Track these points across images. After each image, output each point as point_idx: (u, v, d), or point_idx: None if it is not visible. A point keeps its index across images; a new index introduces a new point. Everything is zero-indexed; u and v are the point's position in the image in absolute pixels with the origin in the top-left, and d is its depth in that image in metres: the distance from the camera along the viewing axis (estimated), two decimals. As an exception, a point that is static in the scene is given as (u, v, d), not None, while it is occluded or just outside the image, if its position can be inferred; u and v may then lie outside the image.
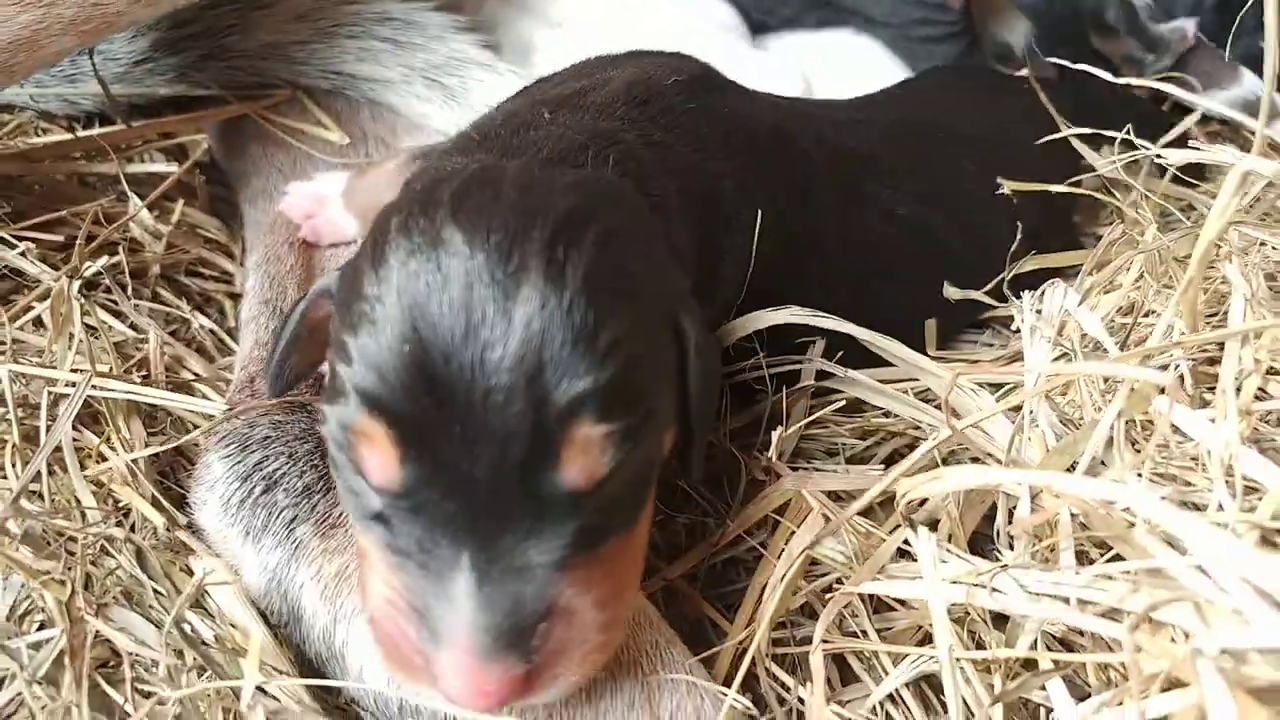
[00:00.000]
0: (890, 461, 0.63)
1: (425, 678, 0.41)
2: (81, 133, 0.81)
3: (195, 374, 0.65)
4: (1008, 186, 0.65)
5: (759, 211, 0.57)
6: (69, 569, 0.52)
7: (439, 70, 0.80)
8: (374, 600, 0.42)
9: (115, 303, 0.68)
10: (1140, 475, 0.50)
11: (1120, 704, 0.43)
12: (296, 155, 0.80)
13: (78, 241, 0.67)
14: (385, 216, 0.43)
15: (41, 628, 0.51)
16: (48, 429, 0.57)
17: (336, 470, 0.43)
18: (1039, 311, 0.57)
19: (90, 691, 0.49)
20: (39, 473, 0.53)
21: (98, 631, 0.50)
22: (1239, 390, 0.50)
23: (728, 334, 0.58)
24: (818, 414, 0.61)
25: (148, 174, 0.77)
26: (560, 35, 0.85)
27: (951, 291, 0.65)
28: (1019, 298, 0.61)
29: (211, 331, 0.71)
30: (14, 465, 0.55)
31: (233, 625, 0.53)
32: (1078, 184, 0.65)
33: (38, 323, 0.65)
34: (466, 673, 0.39)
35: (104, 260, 0.67)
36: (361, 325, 0.40)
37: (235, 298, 0.75)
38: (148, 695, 0.49)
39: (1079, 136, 0.70)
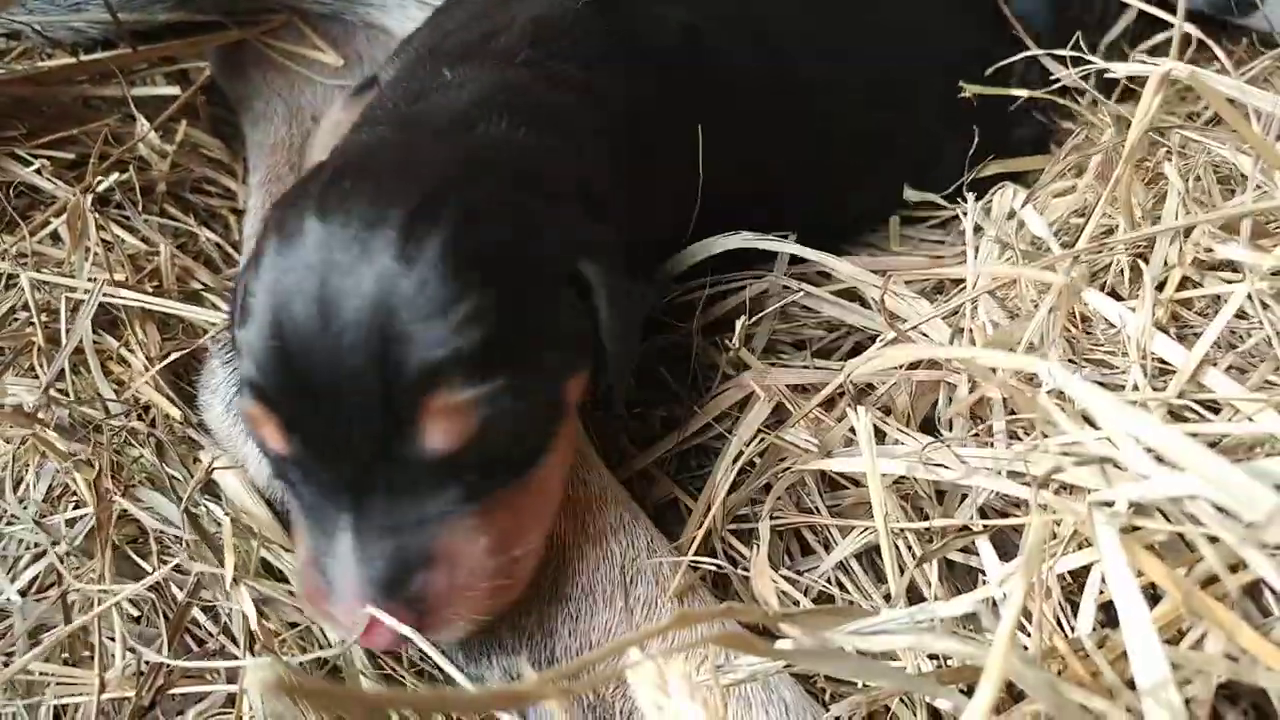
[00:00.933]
0: (854, 353, 0.68)
1: (335, 622, 0.46)
2: (87, 57, 0.85)
3: (203, 284, 0.70)
4: (969, 90, 0.68)
5: (688, 131, 0.59)
6: (97, 454, 0.57)
7: (435, -9, 0.83)
8: (298, 551, 0.48)
9: (127, 218, 0.72)
10: (1072, 361, 0.55)
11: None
12: (294, 78, 0.84)
13: (90, 159, 0.71)
14: (272, 210, 0.47)
15: (75, 508, 0.57)
16: (68, 332, 0.62)
17: (261, 451, 0.48)
18: (988, 211, 0.61)
19: (121, 561, 0.55)
20: (63, 370, 0.58)
21: (124, 510, 0.56)
22: (1164, 284, 0.55)
23: (684, 259, 0.62)
24: (782, 304, 0.65)
25: (152, 96, 0.81)
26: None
27: (910, 194, 0.68)
28: (966, 199, 0.64)
29: (218, 245, 0.75)
30: (41, 365, 0.60)
31: (244, 511, 0.58)
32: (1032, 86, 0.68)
33: (54, 236, 0.70)
34: (349, 617, 0.44)
35: (114, 177, 0.71)
36: (244, 319, 0.44)
37: (238, 213, 0.79)
38: (174, 566, 0.55)
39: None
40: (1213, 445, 0.48)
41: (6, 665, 0.50)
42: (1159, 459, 0.43)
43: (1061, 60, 0.74)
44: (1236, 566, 0.43)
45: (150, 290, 0.66)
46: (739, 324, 0.60)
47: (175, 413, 0.59)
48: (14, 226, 0.71)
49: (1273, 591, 0.43)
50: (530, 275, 0.46)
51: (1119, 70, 0.61)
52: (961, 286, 0.63)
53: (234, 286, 0.50)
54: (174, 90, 0.81)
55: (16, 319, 0.64)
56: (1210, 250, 0.52)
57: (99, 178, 0.70)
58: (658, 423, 0.66)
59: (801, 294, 0.66)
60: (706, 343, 0.66)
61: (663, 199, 0.59)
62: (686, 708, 0.37)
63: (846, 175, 0.71)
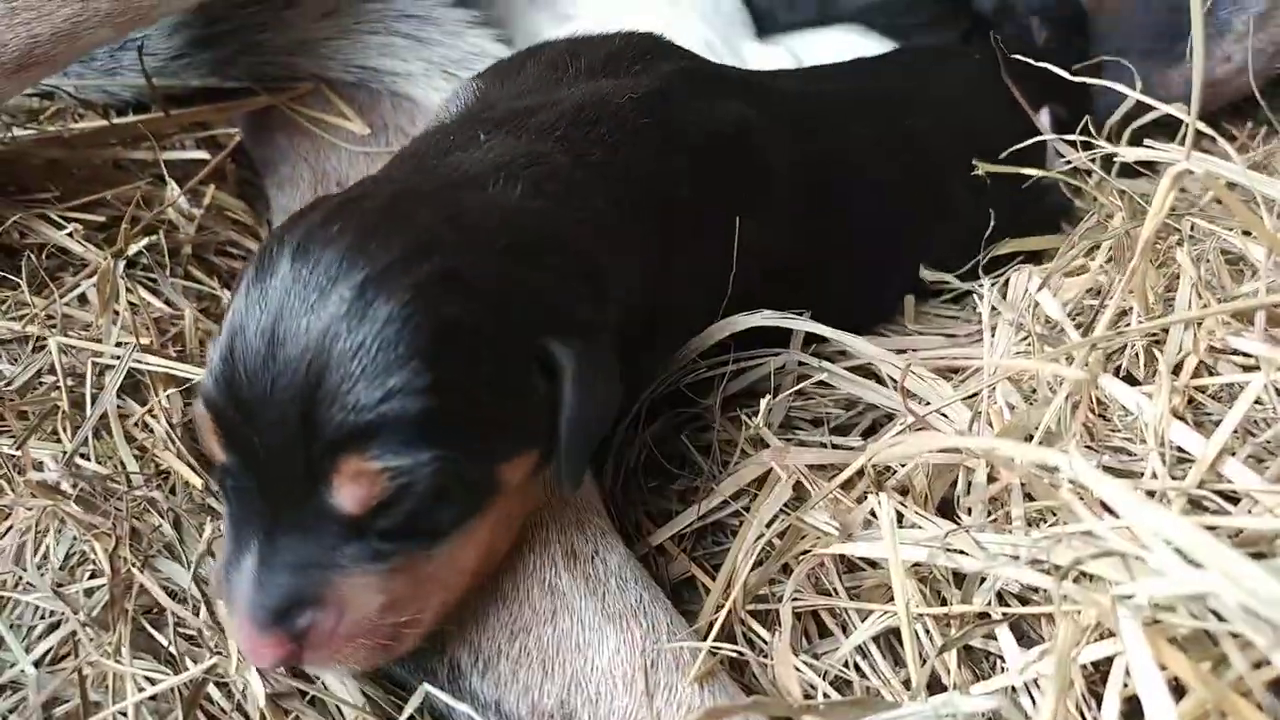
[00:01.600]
0: (871, 430, 0.68)
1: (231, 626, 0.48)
2: (119, 120, 0.87)
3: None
4: (982, 169, 0.69)
5: (724, 221, 0.60)
6: (115, 525, 0.57)
7: (456, 64, 0.85)
8: (220, 552, 0.49)
9: (153, 280, 0.73)
10: (1090, 448, 0.55)
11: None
12: (320, 144, 0.86)
13: (123, 224, 0.72)
14: (271, 231, 0.48)
15: (92, 577, 0.57)
16: (93, 397, 0.62)
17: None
18: (1004, 295, 0.62)
19: (136, 634, 0.54)
20: (87, 436, 0.59)
21: (141, 583, 0.56)
22: (1179, 369, 0.55)
23: (705, 338, 0.63)
24: (802, 384, 0.66)
25: (181, 160, 0.82)
26: (569, 30, 0.90)
27: (926, 274, 0.69)
28: (981, 280, 0.65)
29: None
30: (64, 429, 0.61)
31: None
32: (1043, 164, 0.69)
33: (82, 299, 0.71)
34: (243, 634, 0.46)
35: (144, 241, 0.72)
36: (219, 334, 0.46)
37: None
38: (188, 639, 0.55)
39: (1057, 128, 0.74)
40: (1232, 537, 0.49)
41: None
42: (1180, 553, 0.44)
43: (1072, 143, 0.76)
44: (1260, 663, 0.43)
45: (174, 355, 0.66)
46: (763, 403, 0.61)
47: (196, 481, 0.60)
48: (43, 288, 0.72)
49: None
50: (489, 351, 0.47)
51: (1129, 155, 0.62)
52: (979, 368, 0.64)
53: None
54: (203, 155, 0.82)
55: (42, 382, 0.64)
56: (1224, 340, 0.53)
57: (130, 242, 0.71)
58: (675, 497, 0.67)
59: (821, 373, 0.67)
60: (725, 418, 0.67)
61: (691, 284, 0.60)
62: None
63: (878, 267, 0.73)
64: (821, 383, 0.68)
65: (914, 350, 0.66)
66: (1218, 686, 0.41)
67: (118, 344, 0.63)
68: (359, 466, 0.43)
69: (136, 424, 0.63)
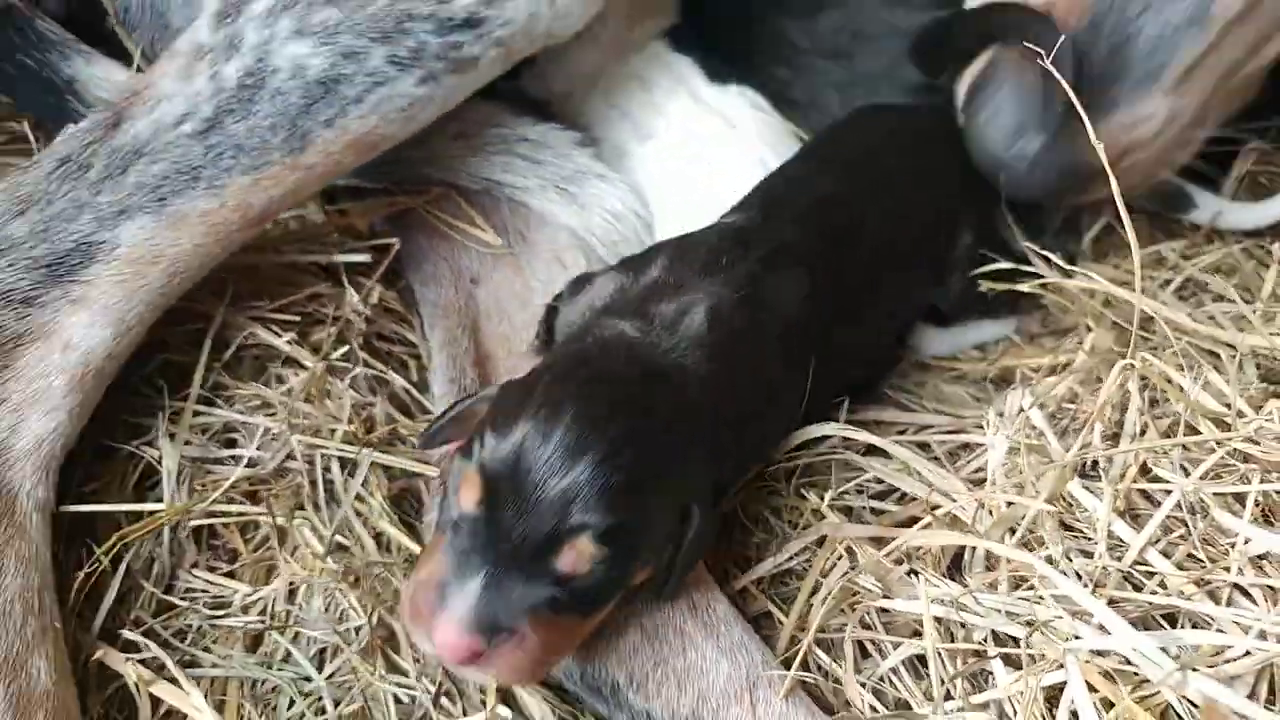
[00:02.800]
0: (902, 498, 0.91)
1: (425, 633, 0.66)
2: (288, 215, 1.06)
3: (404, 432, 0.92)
4: (984, 286, 0.92)
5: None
6: (360, 581, 0.79)
7: (567, 180, 1.05)
8: (421, 574, 0.68)
9: (348, 368, 0.94)
10: (1064, 524, 0.78)
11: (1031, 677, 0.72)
12: (455, 245, 1.06)
13: (327, 331, 0.93)
14: (539, 371, 0.73)
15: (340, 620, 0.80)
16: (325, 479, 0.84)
17: (446, 494, 0.71)
18: (1001, 414, 0.84)
19: (386, 660, 0.77)
20: (343, 519, 0.81)
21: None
22: (1123, 475, 0.78)
23: (786, 443, 0.87)
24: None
25: (348, 263, 1.03)
26: (647, 151, 1.09)
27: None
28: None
29: (405, 389, 0.97)
30: (317, 514, 0.83)
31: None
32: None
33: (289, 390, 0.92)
34: (447, 631, 0.65)
35: (336, 343, 0.93)
36: (497, 434, 0.67)
37: (417, 358, 1.01)
38: (418, 662, 0.78)
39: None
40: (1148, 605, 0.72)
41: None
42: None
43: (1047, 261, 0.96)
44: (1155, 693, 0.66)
45: (376, 442, 0.88)
46: (827, 496, 0.84)
47: (413, 546, 0.82)
48: (257, 378, 0.93)
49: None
50: (663, 502, 0.71)
51: (1098, 286, 0.84)
52: (984, 449, 0.87)
53: (477, 427, 0.72)
54: (366, 257, 1.02)
55: (287, 468, 0.86)
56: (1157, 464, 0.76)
57: (331, 348, 0.92)
58: (754, 549, 0.90)
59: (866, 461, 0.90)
60: (790, 486, 0.90)
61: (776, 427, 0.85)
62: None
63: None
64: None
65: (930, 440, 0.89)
66: (1128, 703, 0.65)
67: (346, 441, 0.85)
68: (579, 546, 0.66)
69: (359, 498, 0.85)
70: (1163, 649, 0.65)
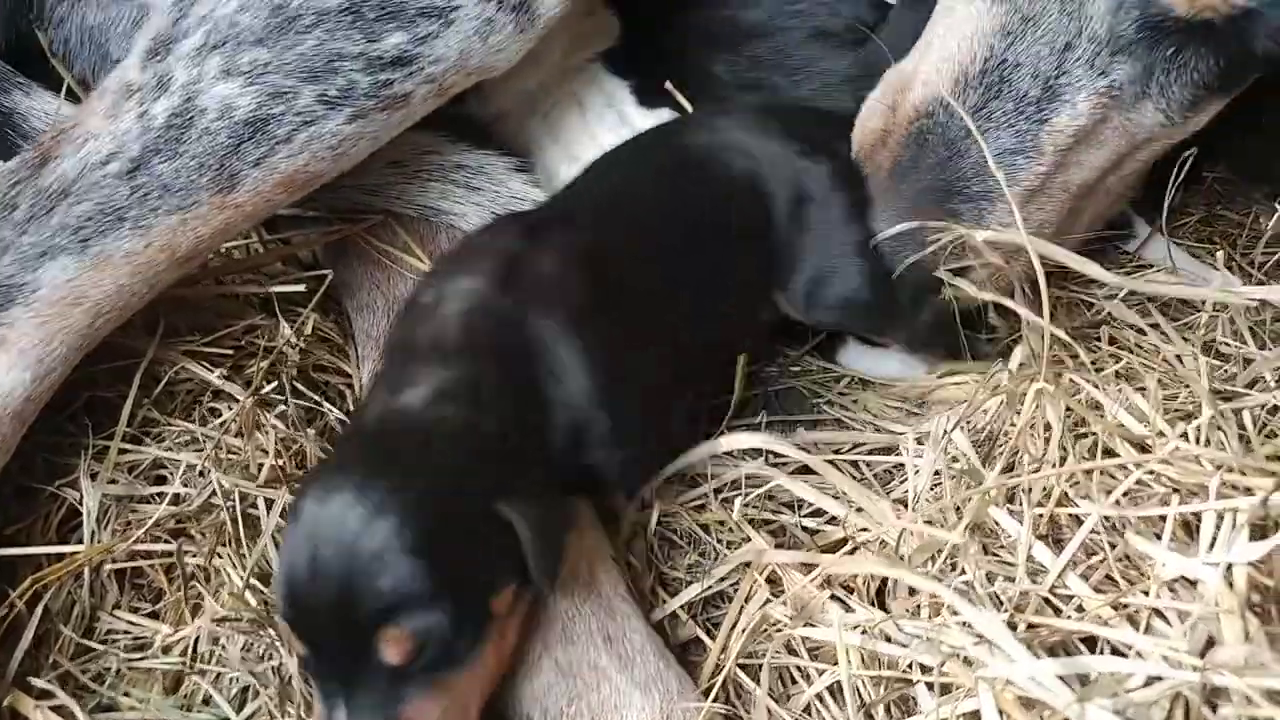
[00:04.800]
0: (833, 519, 0.90)
1: None
2: (228, 246, 1.07)
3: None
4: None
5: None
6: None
7: (503, 207, 1.05)
8: (316, 712, 0.68)
9: (279, 401, 0.94)
10: (987, 549, 0.78)
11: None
12: (390, 273, 1.05)
13: (256, 364, 0.93)
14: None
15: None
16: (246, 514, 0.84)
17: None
18: (923, 438, 0.84)
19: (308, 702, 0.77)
20: (260, 556, 0.81)
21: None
22: (1046, 497, 0.78)
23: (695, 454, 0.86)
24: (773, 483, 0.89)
25: (282, 293, 1.03)
26: (575, 174, 1.09)
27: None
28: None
29: (340, 420, 0.97)
30: (238, 552, 0.82)
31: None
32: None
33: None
34: None
35: (264, 376, 0.93)
36: (280, 552, 0.68)
37: (351, 389, 1.01)
38: None
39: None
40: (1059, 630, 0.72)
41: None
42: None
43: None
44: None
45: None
46: (737, 504, 0.85)
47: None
48: (188, 414, 0.93)
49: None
50: (461, 530, 0.68)
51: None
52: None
53: None
54: (301, 288, 1.02)
55: (213, 506, 0.86)
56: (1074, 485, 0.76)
57: (262, 381, 0.92)
58: (683, 569, 0.89)
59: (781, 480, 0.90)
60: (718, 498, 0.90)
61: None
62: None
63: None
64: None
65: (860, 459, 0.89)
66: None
67: (269, 480, 0.85)
68: (391, 634, 0.65)
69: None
70: (1062, 678, 0.64)
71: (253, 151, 0.87)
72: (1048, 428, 0.83)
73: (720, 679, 0.77)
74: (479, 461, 0.71)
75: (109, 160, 0.87)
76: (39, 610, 0.80)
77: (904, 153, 0.91)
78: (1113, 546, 0.74)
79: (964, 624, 0.72)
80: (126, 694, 0.78)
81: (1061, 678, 0.65)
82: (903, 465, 0.90)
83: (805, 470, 0.90)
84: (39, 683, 0.76)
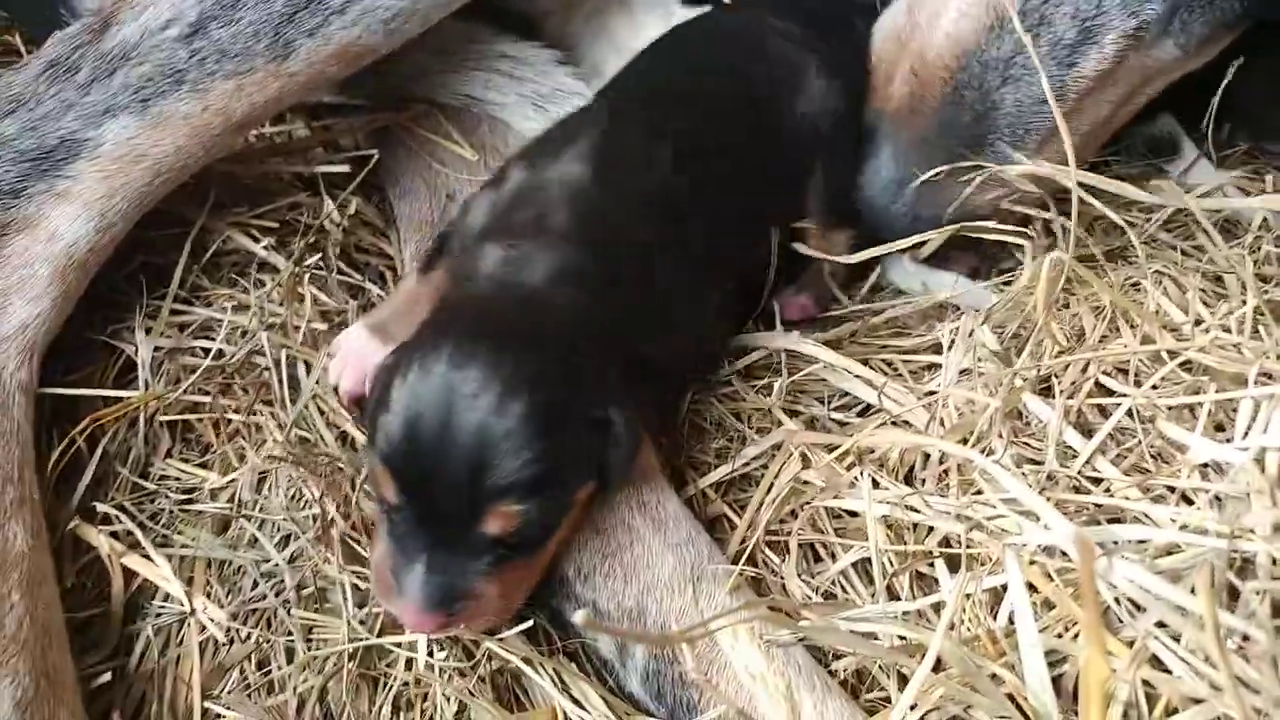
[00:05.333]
0: (866, 410, 0.91)
1: (393, 608, 0.70)
2: (271, 129, 1.08)
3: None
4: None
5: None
6: (322, 474, 0.82)
7: (544, 99, 1.06)
8: (375, 557, 0.71)
9: (322, 276, 0.96)
10: (1013, 442, 0.79)
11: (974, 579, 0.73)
12: (433, 161, 1.07)
13: (298, 239, 0.95)
14: (415, 337, 0.70)
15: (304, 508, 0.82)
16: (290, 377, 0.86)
17: (368, 484, 0.72)
18: (954, 331, 0.85)
19: (345, 548, 0.79)
20: (301, 411, 0.83)
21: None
22: (1077, 390, 0.79)
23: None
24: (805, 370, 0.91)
25: (328, 173, 1.04)
26: (621, 63, 1.09)
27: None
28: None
29: (381, 299, 0.99)
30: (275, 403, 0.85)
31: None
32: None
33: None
34: (411, 615, 0.68)
35: (308, 250, 0.95)
36: (387, 410, 0.66)
37: (394, 270, 1.03)
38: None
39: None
40: (1098, 507, 0.73)
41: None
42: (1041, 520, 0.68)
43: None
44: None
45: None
46: (776, 384, 0.86)
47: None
48: (234, 284, 0.95)
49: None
50: (574, 422, 0.70)
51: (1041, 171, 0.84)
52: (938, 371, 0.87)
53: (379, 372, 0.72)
54: (345, 168, 1.04)
55: (255, 363, 0.88)
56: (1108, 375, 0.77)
57: (304, 254, 0.94)
58: (711, 453, 0.91)
59: (820, 365, 0.91)
60: (748, 388, 0.91)
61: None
62: (749, 652, 0.62)
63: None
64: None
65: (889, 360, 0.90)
66: (1064, 598, 0.66)
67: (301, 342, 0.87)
68: (500, 510, 0.67)
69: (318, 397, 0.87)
70: (1099, 544, 0.66)
71: (308, 20, 0.88)
72: (1076, 322, 0.84)
73: (749, 548, 0.79)
74: (592, 353, 0.72)
75: (168, 25, 0.88)
76: (98, 452, 0.83)
77: (940, 114, 0.92)
78: (1145, 434, 0.75)
79: (995, 503, 0.74)
80: (179, 531, 0.80)
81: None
82: (933, 366, 0.92)
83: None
84: (103, 507, 0.79)
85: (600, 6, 1.14)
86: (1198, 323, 0.77)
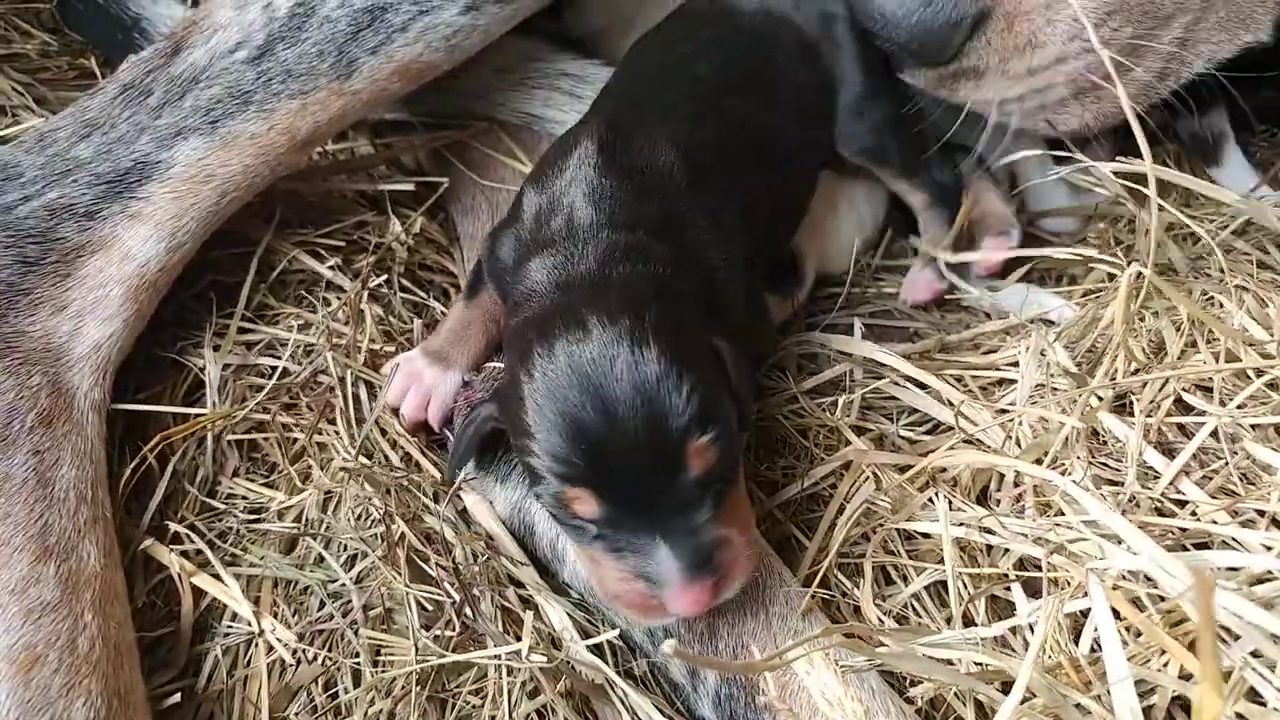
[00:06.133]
0: (934, 428, 0.90)
1: (660, 613, 0.68)
2: (334, 147, 1.09)
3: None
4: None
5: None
6: (389, 493, 0.82)
7: (605, 115, 1.06)
8: (611, 585, 0.68)
9: (386, 295, 0.96)
10: (1090, 462, 0.77)
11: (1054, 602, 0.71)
12: (494, 177, 1.07)
13: (365, 258, 0.95)
14: (516, 366, 0.68)
15: (370, 526, 0.82)
16: (354, 395, 0.87)
17: (560, 523, 0.70)
18: (1028, 349, 0.83)
19: (411, 568, 0.79)
20: (369, 432, 0.83)
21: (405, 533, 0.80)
22: (1156, 409, 0.76)
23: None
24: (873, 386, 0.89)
25: (392, 191, 1.05)
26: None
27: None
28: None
29: (444, 314, 0.99)
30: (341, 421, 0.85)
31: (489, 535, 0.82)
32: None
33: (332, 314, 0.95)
34: (683, 594, 0.66)
35: (373, 269, 0.96)
36: (539, 434, 0.65)
37: (458, 288, 1.03)
38: (444, 570, 0.80)
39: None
40: (1182, 531, 0.71)
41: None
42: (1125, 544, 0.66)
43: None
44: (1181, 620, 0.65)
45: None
46: (842, 399, 0.85)
47: (431, 469, 0.84)
48: (301, 302, 0.96)
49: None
50: (701, 355, 0.69)
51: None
52: (1013, 388, 0.85)
53: (504, 404, 0.71)
54: (409, 186, 1.05)
55: (319, 382, 0.88)
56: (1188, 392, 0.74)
57: (370, 274, 0.94)
58: (779, 471, 0.90)
59: (887, 381, 0.89)
60: (814, 403, 0.90)
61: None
62: (825, 677, 0.61)
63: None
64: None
65: (959, 375, 0.88)
66: (1152, 626, 0.63)
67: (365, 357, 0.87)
68: (696, 444, 0.65)
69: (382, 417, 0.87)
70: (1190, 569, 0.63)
71: (370, 39, 0.89)
72: (1154, 336, 0.82)
73: (821, 571, 0.77)
74: (674, 301, 0.71)
75: (237, 49, 0.90)
76: (168, 470, 0.83)
77: None
78: (1233, 455, 0.73)
79: (1072, 524, 0.72)
80: (246, 549, 0.81)
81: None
82: (1004, 381, 0.90)
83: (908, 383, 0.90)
84: (174, 526, 0.80)
85: (650, 20, 1.13)
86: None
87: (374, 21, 0.89)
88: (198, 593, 0.78)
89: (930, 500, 0.78)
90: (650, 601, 0.67)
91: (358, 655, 0.75)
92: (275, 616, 0.78)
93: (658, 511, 0.66)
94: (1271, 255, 0.91)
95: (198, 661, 0.77)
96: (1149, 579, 0.67)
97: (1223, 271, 0.81)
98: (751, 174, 0.87)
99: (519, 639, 0.72)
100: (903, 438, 0.88)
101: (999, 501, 0.79)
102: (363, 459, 0.84)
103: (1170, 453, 0.75)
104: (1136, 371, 0.80)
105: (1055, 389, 0.82)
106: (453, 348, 0.84)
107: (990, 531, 0.75)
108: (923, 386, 0.88)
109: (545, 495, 0.67)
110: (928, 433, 0.89)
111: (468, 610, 0.75)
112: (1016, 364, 0.88)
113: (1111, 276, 0.92)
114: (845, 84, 0.97)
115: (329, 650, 0.76)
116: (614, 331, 0.65)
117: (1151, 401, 0.75)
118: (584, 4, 1.10)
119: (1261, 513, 0.70)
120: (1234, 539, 0.67)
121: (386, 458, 0.85)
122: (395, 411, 0.86)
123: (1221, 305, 0.81)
